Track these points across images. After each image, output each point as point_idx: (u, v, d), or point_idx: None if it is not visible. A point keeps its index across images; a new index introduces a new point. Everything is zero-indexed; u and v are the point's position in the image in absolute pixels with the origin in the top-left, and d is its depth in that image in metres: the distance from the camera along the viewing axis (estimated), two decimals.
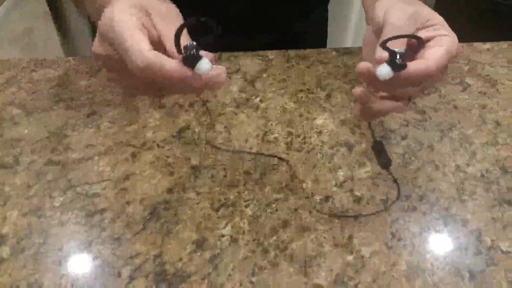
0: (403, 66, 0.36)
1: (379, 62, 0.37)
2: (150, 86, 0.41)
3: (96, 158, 0.57)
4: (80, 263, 0.47)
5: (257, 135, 0.60)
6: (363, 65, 0.37)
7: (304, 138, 0.59)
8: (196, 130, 0.60)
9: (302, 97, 0.65)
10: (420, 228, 0.50)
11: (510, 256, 0.47)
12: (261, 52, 0.73)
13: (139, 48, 0.35)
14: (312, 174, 0.55)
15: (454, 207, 0.52)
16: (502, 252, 0.48)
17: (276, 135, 0.60)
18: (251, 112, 0.63)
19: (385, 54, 0.36)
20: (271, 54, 0.72)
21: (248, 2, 0.72)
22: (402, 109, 0.42)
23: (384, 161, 0.51)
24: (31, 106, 0.64)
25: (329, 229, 0.50)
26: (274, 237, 0.49)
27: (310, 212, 0.51)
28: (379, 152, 0.51)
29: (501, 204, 0.52)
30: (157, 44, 0.39)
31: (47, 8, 1.43)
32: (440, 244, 0.49)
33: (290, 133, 0.60)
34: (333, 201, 0.52)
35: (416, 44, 0.39)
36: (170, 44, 0.38)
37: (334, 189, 0.54)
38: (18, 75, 0.69)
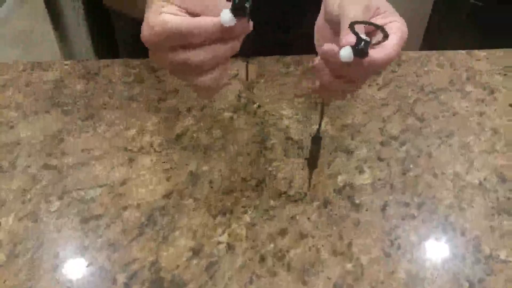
0: (365, 54, 0.37)
1: (344, 45, 0.38)
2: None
3: (93, 162, 0.56)
4: (75, 269, 0.47)
5: (254, 141, 0.59)
6: (330, 46, 0.39)
7: (302, 143, 0.59)
8: (194, 135, 0.60)
9: (299, 103, 0.65)
10: (419, 236, 0.50)
11: (509, 266, 0.47)
12: (258, 58, 0.72)
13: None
14: (311, 180, 0.55)
15: (453, 215, 0.52)
16: (501, 261, 0.47)
17: (275, 141, 0.59)
18: (249, 117, 0.63)
19: (351, 39, 0.38)
20: (268, 59, 0.72)
21: None
22: (353, 90, 0.44)
23: (311, 159, 0.50)
24: (28, 109, 0.63)
25: (328, 236, 0.49)
26: (272, 245, 0.49)
27: (308, 218, 0.51)
28: (315, 148, 0.51)
29: (500, 213, 0.52)
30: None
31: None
32: (439, 252, 0.48)
33: (288, 139, 0.60)
34: (331, 207, 0.52)
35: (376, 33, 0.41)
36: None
37: (333, 195, 0.53)
38: (15, 78, 0.68)
